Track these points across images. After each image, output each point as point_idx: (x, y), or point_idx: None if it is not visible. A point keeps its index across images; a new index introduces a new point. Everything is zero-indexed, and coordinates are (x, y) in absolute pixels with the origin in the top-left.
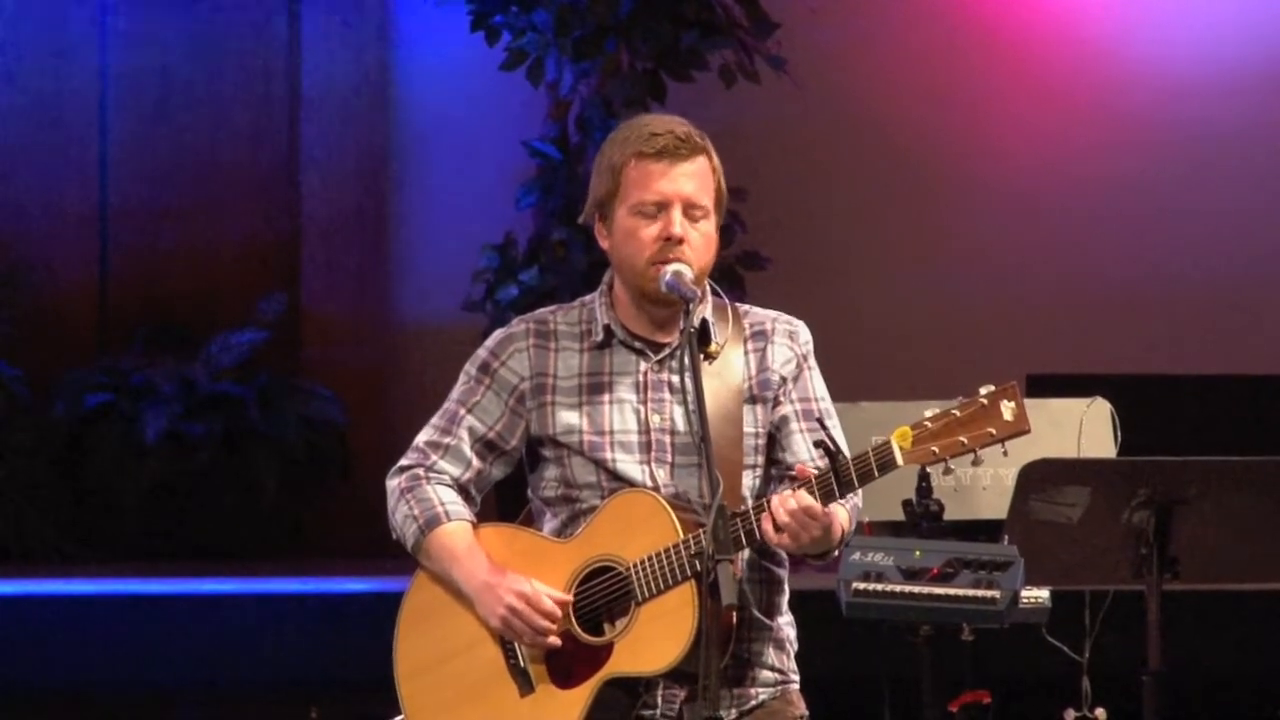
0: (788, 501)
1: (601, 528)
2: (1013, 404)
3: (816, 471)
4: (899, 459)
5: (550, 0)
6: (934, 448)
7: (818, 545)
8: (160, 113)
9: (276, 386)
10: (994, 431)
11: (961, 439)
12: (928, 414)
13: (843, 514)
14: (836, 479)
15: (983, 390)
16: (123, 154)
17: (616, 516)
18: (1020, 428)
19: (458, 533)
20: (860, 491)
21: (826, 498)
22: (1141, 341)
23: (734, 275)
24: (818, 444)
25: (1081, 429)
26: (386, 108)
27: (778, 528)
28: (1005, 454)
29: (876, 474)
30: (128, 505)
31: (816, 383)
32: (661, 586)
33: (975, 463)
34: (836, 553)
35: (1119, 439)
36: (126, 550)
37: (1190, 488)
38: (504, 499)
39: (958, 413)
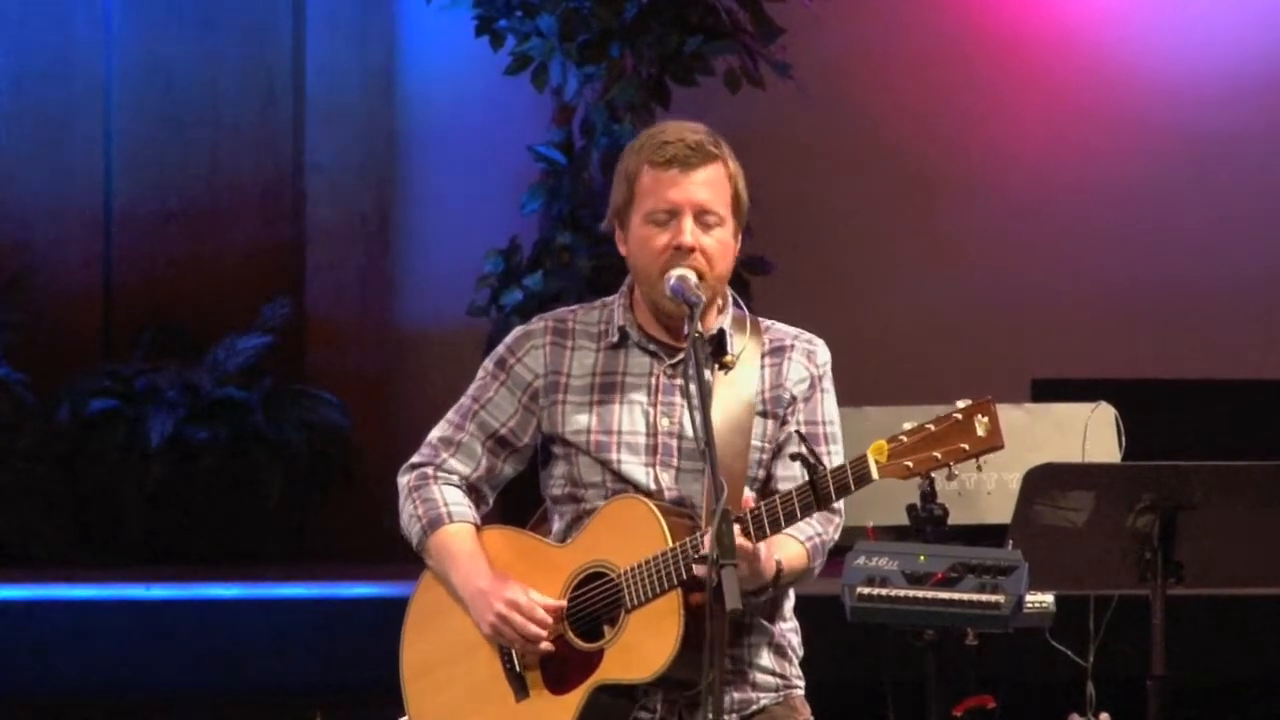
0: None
1: (596, 533)
2: (986, 419)
3: (754, 507)
4: (874, 473)
5: (555, 5)
6: (908, 462)
7: (744, 580)
8: (164, 118)
9: (281, 391)
10: (967, 447)
11: (935, 454)
12: (905, 427)
13: (791, 549)
14: (815, 492)
15: (959, 404)
16: (127, 159)
17: (610, 522)
18: (993, 443)
19: (459, 534)
20: (841, 510)
21: (805, 510)
22: (1146, 346)
23: (739, 280)
24: (794, 457)
25: (1086, 434)
26: (391, 112)
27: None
28: (979, 469)
29: (853, 487)
30: (132, 510)
31: (828, 405)
32: (649, 594)
33: (950, 478)
34: (771, 591)
35: (1123, 444)
36: (130, 555)
37: (1194, 492)
38: (511, 498)
39: (932, 427)
